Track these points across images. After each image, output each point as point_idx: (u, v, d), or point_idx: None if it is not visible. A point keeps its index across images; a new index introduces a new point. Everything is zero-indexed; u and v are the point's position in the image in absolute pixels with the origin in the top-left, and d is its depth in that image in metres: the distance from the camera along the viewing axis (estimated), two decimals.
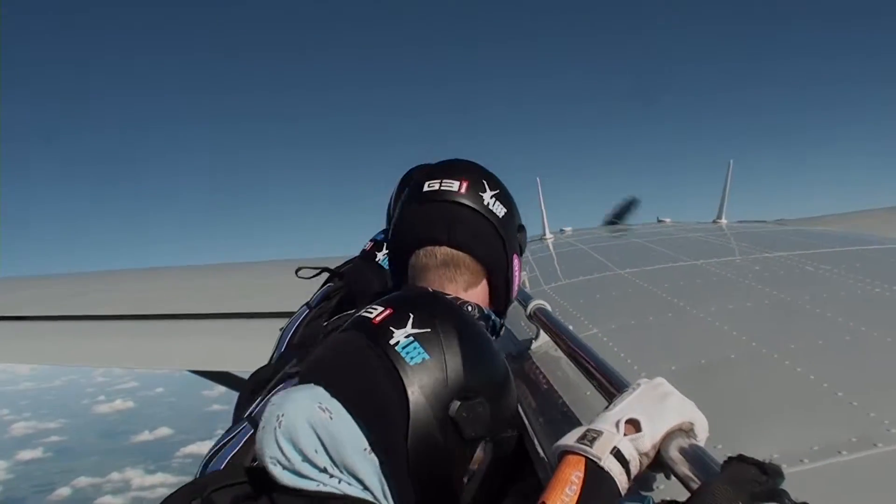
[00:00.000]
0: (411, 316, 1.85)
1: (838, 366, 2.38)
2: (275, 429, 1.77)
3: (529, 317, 3.18)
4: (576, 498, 1.58)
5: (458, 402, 1.80)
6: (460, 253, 2.63)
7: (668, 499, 1.38)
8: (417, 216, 2.76)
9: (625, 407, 1.77)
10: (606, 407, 1.82)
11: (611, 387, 2.06)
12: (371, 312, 1.88)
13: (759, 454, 1.40)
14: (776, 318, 2.98)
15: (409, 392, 1.77)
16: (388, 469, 1.84)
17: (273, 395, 2.38)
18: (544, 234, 7.87)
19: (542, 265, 5.72)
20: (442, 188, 2.73)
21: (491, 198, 2.74)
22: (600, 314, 3.48)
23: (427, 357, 1.80)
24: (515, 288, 2.78)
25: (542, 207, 8.27)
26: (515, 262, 2.79)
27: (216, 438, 2.46)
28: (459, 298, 2.51)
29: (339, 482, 1.77)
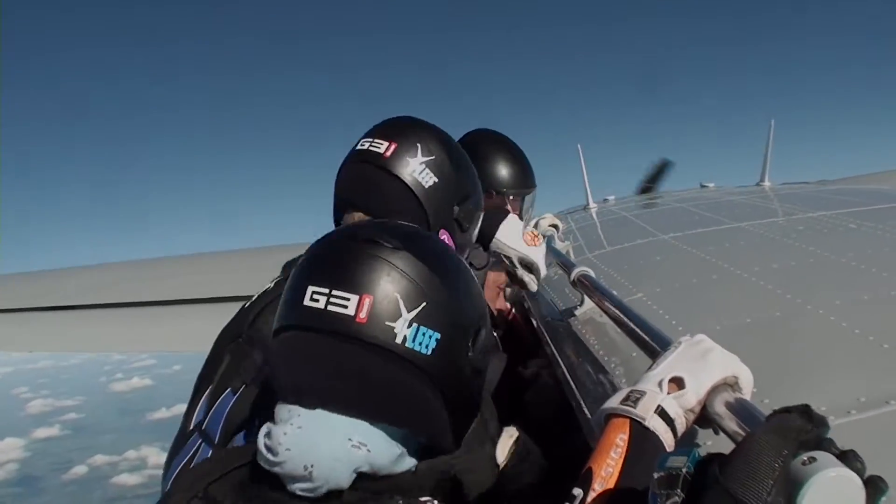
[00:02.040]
0: (398, 298, 1.85)
1: (883, 319, 2.37)
2: (305, 479, 1.78)
3: (573, 283, 3.19)
4: (621, 461, 1.59)
5: (473, 350, 1.95)
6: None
7: (716, 451, 1.39)
8: (346, 176, 2.78)
9: (667, 366, 1.77)
10: (649, 367, 1.83)
11: (656, 347, 2.07)
12: (344, 307, 1.83)
13: None
14: (820, 276, 2.97)
15: (437, 376, 1.85)
16: (430, 440, 1.95)
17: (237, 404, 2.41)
18: (588, 204, 7.83)
19: (587, 234, 5.72)
20: (370, 149, 2.72)
21: (420, 164, 2.72)
22: (645, 279, 3.49)
23: (437, 336, 1.85)
24: None
25: (585, 176, 8.21)
26: (443, 238, 2.72)
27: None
28: None
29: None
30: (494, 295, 3.72)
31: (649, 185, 10.91)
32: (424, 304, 1.84)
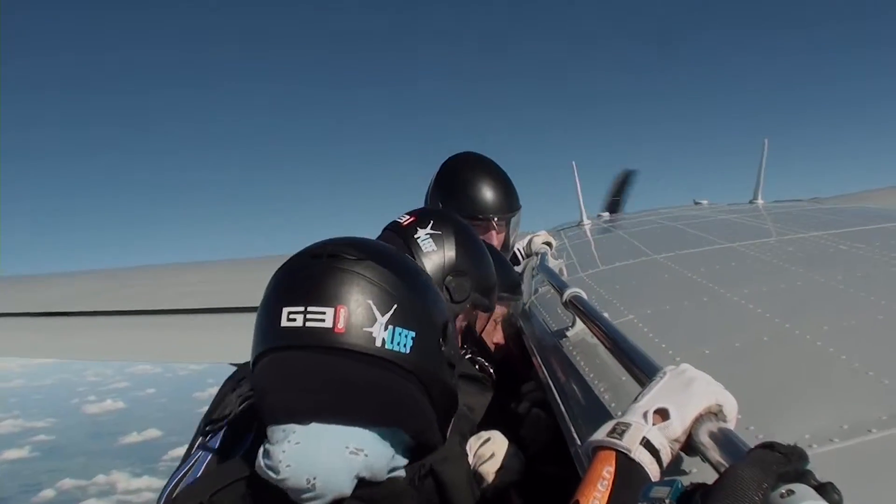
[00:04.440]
0: (371, 304, 1.95)
1: (870, 345, 2.39)
2: (309, 491, 1.87)
3: (565, 304, 3.21)
4: (608, 493, 1.61)
5: (445, 345, 2.09)
6: None
7: (700, 482, 1.41)
8: None
9: (652, 397, 1.80)
10: (635, 398, 1.85)
11: (643, 374, 2.09)
12: (321, 320, 1.92)
13: (790, 434, 1.43)
14: (809, 299, 2.99)
15: (419, 372, 1.98)
16: (419, 436, 2.11)
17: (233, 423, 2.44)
18: (581, 221, 7.84)
19: (580, 252, 5.73)
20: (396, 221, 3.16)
21: (427, 234, 3.14)
22: (636, 300, 3.51)
23: (413, 334, 1.97)
24: None
25: (579, 193, 8.20)
26: None
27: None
28: None
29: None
30: (491, 328, 3.74)
31: (616, 199, 10.87)
32: (395, 306, 1.94)
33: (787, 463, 1.32)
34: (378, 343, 1.90)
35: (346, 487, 1.93)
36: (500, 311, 3.76)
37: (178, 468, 2.39)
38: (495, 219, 4.56)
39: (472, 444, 2.70)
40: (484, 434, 2.75)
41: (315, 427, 1.92)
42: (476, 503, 2.48)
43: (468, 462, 2.60)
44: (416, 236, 3.09)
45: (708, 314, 3.07)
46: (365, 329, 1.90)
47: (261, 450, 1.96)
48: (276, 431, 1.94)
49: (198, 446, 2.44)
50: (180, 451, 2.53)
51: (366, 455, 1.93)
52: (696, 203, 8.40)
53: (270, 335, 1.95)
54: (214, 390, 2.75)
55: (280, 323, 1.91)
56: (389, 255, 2.13)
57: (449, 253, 3.10)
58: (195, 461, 2.34)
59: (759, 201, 7.71)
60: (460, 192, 4.60)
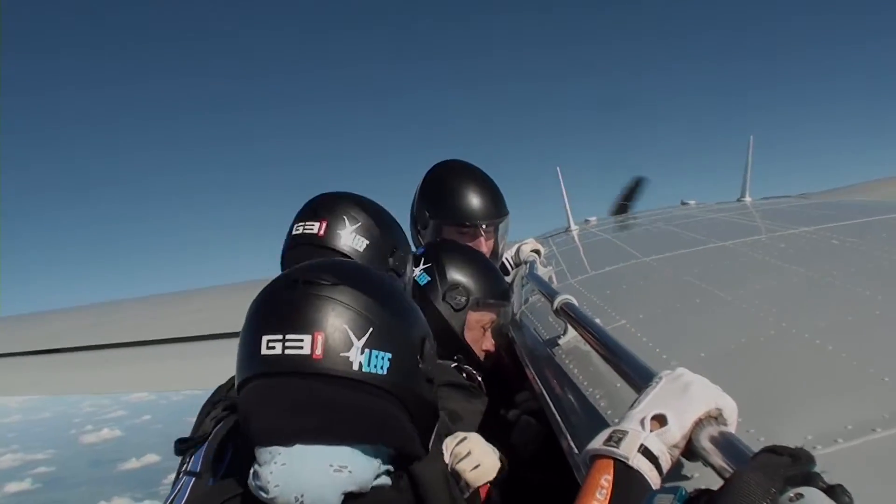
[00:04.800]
0: (347, 329, 2.01)
1: (868, 341, 2.35)
2: None
3: (556, 312, 3.18)
4: (606, 502, 1.59)
5: (422, 362, 2.16)
6: None
7: (703, 487, 1.37)
8: (290, 260, 3.09)
9: (648, 403, 1.77)
10: (631, 405, 1.82)
11: (638, 380, 2.05)
12: (299, 348, 1.97)
13: (793, 436, 1.40)
14: (804, 296, 2.95)
15: (396, 392, 2.06)
16: (401, 450, 2.18)
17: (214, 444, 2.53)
18: (569, 227, 7.81)
19: (568, 258, 5.71)
20: (305, 231, 3.11)
21: (351, 233, 3.11)
22: (628, 304, 3.46)
23: (389, 356, 2.03)
24: None
25: (565, 198, 8.17)
26: None
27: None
28: None
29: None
30: (479, 335, 3.74)
31: (625, 204, 10.90)
32: (371, 329, 2.00)
33: (793, 466, 1.28)
34: (355, 367, 1.96)
35: (334, 502, 1.98)
36: (489, 317, 3.77)
37: (168, 495, 2.46)
38: (483, 225, 4.54)
39: (448, 443, 2.70)
40: (460, 434, 2.75)
41: (298, 448, 1.97)
42: (454, 499, 2.50)
43: (444, 461, 2.61)
44: (343, 241, 3.14)
45: (702, 316, 3.02)
46: (342, 354, 1.95)
47: (251, 470, 2.01)
48: (263, 453, 1.99)
49: (182, 472, 2.52)
50: None
51: (350, 472, 1.98)
52: (684, 203, 8.38)
53: (252, 363, 2.01)
54: None
55: (260, 351, 1.96)
56: (365, 277, 2.18)
57: (380, 238, 3.22)
58: (180, 486, 2.43)
59: (748, 199, 7.69)
60: (447, 199, 4.58)
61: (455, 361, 3.51)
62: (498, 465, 2.73)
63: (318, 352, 1.93)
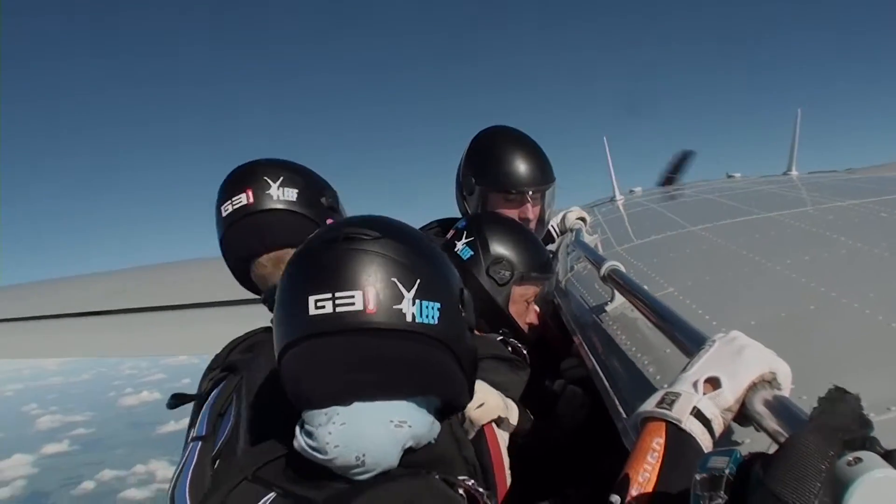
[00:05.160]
0: (396, 282, 1.96)
1: None
2: (359, 467, 1.91)
3: (604, 278, 3.18)
4: (658, 465, 1.59)
5: (464, 310, 2.13)
6: (281, 252, 2.97)
7: (758, 451, 1.37)
8: (234, 236, 3.08)
9: (702, 366, 1.77)
10: (684, 367, 1.82)
11: (689, 344, 2.06)
12: (351, 304, 1.94)
13: None
14: (854, 268, 2.93)
15: (448, 341, 2.03)
16: (453, 401, 2.19)
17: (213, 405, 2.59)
18: (614, 196, 7.75)
19: (614, 227, 5.69)
20: (236, 206, 3.03)
21: (278, 189, 3.05)
22: (675, 272, 3.46)
23: (438, 305, 2.00)
24: None
25: (611, 168, 8.11)
26: None
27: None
28: None
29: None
30: (523, 308, 3.72)
31: (672, 176, 10.82)
32: (419, 280, 1.96)
33: (852, 429, 1.27)
34: (409, 318, 1.92)
35: (395, 459, 1.97)
36: (533, 291, 3.75)
37: (179, 461, 2.48)
38: (530, 192, 4.48)
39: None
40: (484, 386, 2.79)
41: (357, 406, 1.94)
42: (458, 439, 2.45)
43: (455, 417, 2.54)
44: (275, 198, 3.08)
45: (751, 284, 3.01)
46: (395, 307, 1.91)
47: (299, 432, 1.98)
48: (318, 416, 1.95)
49: (190, 439, 2.55)
50: None
51: (409, 426, 1.97)
52: (730, 176, 8.31)
53: (300, 324, 1.95)
54: None
55: (308, 311, 1.91)
56: (402, 229, 2.13)
57: (305, 184, 3.15)
58: (189, 451, 2.46)
59: (794, 172, 7.62)
60: (493, 165, 4.53)
61: (500, 335, 3.51)
62: (503, 406, 2.78)
63: (372, 306, 1.89)
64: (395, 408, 1.97)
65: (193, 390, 2.85)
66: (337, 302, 1.89)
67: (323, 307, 1.90)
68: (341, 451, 1.89)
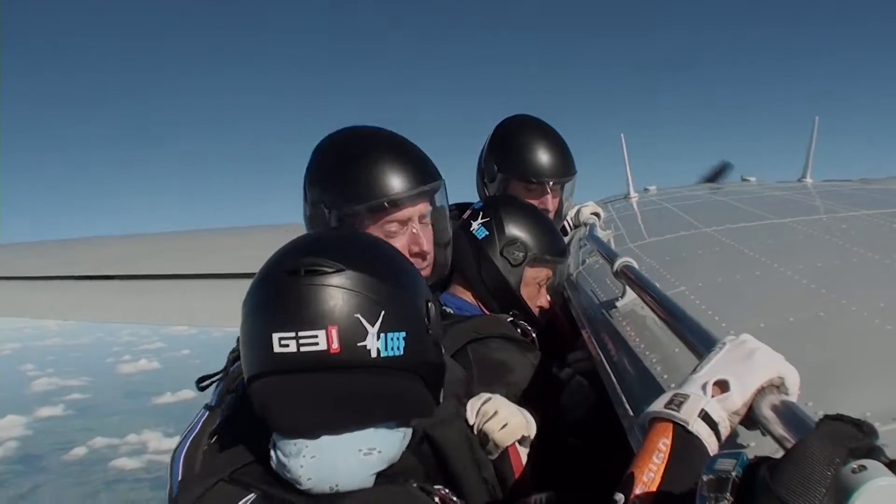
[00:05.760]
0: (359, 318, 1.96)
1: None
2: (332, 496, 1.96)
3: (616, 274, 3.19)
4: (664, 466, 1.61)
5: (430, 327, 2.12)
6: None
7: (764, 455, 1.39)
8: None
9: (711, 368, 1.78)
10: (694, 369, 1.83)
11: (699, 345, 2.07)
12: (315, 344, 1.94)
13: (851, 412, 1.40)
14: (865, 276, 2.94)
15: (415, 368, 2.06)
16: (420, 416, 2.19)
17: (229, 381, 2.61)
18: (629, 194, 7.75)
19: (628, 223, 5.68)
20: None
21: None
22: (687, 272, 3.46)
23: (403, 335, 1.99)
24: None
25: (627, 166, 8.11)
26: None
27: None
28: None
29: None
30: (535, 291, 3.74)
31: (710, 185, 10.79)
32: (383, 312, 1.96)
33: (858, 437, 1.29)
34: (374, 354, 1.93)
35: (369, 483, 2.00)
36: (545, 274, 3.77)
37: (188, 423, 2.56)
38: (551, 183, 4.50)
39: (473, 403, 2.74)
40: (483, 394, 2.79)
41: (326, 439, 1.97)
42: (479, 461, 2.56)
43: (464, 423, 2.65)
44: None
45: (761, 288, 3.02)
46: (359, 344, 1.92)
47: (274, 456, 2.02)
48: (288, 445, 1.99)
49: (204, 406, 2.61)
50: None
51: (379, 452, 2.00)
52: (745, 180, 8.31)
53: (264, 360, 1.97)
54: None
55: (273, 349, 1.93)
56: (364, 254, 2.13)
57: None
58: (196, 416, 2.55)
59: (808, 180, 7.62)
60: (516, 153, 4.54)
61: (511, 316, 3.52)
62: (525, 423, 2.77)
63: (335, 346, 1.90)
64: (364, 436, 1.99)
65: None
66: (301, 341, 1.91)
67: (287, 346, 1.91)
68: (315, 483, 1.93)
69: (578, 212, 5.54)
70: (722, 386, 1.72)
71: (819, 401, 1.88)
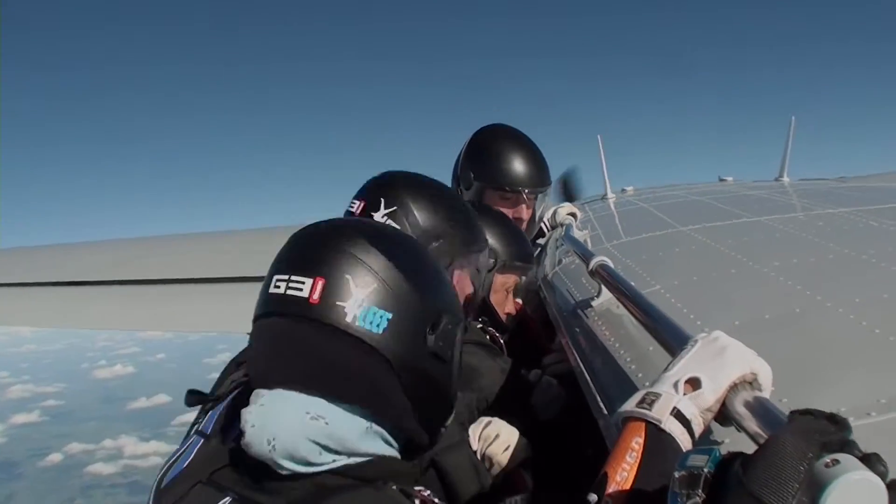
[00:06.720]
0: (350, 280, 1.92)
1: None
2: (269, 452, 1.85)
3: (591, 273, 3.18)
4: (637, 465, 1.60)
5: (432, 336, 1.99)
6: None
7: (737, 451, 1.38)
8: None
9: (683, 366, 1.78)
10: (666, 367, 1.83)
11: (672, 343, 2.06)
12: (299, 290, 1.92)
13: (826, 407, 1.40)
14: (841, 273, 2.95)
15: (389, 354, 1.92)
16: (394, 423, 2.02)
17: (229, 406, 2.50)
18: (606, 194, 7.77)
19: (604, 223, 5.69)
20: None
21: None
22: (663, 270, 3.47)
23: (389, 316, 1.93)
24: None
25: (604, 166, 8.15)
26: None
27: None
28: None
29: (349, 457, 1.93)
30: (503, 297, 3.74)
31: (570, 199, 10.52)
32: (376, 285, 1.93)
33: (831, 431, 1.28)
34: (349, 319, 1.89)
35: (306, 451, 1.89)
36: (513, 280, 3.78)
37: (176, 450, 2.44)
38: (526, 192, 4.52)
39: (475, 429, 2.75)
40: (483, 419, 2.81)
41: (279, 392, 1.93)
42: (483, 486, 2.57)
43: (470, 448, 2.66)
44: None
45: (737, 286, 3.03)
46: (338, 303, 1.89)
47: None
48: (252, 395, 1.97)
49: (194, 431, 2.49)
50: (189, 416, 2.56)
51: (326, 423, 1.90)
52: (722, 180, 8.34)
53: (261, 301, 1.99)
54: (225, 357, 2.77)
55: (269, 289, 1.95)
56: (389, 239, 2.09)
57: (414, 225, 2.96)
58: (189, 444, 2.37)
59: (785, 179, 7.65)
60: (493, 162, 4.57)
61: (480, 323, 3.52)
62: (525, 444, 2.78)
63: (315, 297, 1.88)
64: (317, 403, 1.92)
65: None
66: (290, 285, 1.91)
67: (279, 287, 1.92)
68: (255, 433, 1.87)
69: (555, 212, 5.55)
70: (694, 383, 1.72)
71: (794, 397, 1.88)
